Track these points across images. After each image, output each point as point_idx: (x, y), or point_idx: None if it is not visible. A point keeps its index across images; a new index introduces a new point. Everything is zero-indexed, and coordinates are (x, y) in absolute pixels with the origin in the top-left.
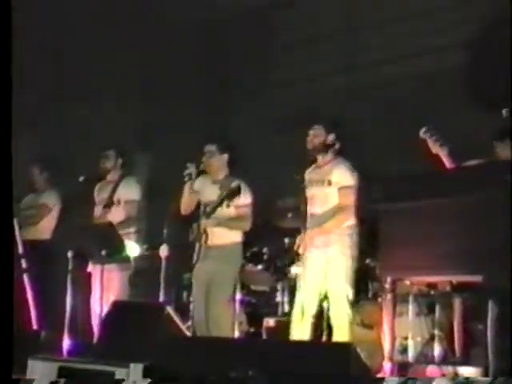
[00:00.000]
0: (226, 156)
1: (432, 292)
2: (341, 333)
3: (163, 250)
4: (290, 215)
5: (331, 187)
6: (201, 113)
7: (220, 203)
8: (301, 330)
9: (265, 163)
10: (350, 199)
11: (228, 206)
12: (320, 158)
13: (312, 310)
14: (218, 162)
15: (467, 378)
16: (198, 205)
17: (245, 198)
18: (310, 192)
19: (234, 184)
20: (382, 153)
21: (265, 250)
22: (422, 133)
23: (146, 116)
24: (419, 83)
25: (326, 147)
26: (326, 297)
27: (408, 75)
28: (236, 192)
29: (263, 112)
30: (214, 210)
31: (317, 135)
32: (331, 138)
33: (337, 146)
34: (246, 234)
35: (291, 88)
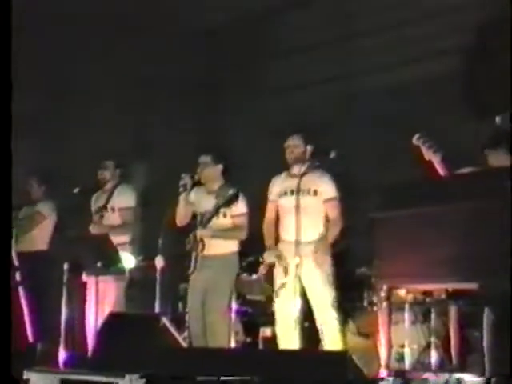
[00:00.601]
0: (220, 166)
1: (428, 300)
2: (332, 339)
3: (159, 261)
4: None
5: (316, 197)
6: (195, 123)
7: (217, 211)
8: (292, 339)
9: (260, 172)
10: (338, 211)
11: (225, 215)
12: (296, 167)
13: (301, 318)
14: (213, 172)
15: (458, 379)
16: (194, 215)
17: (241, 208)
18: (288, 201)
19: (232, 191)
20: (373, 161)
21: (261, 259)
22: (415, 139)
23: (144, 126)
24: (412, 90)
25: (304, 158)
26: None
27: (399, 83)
28: (233, 199)
29: (258, 120)
30: (210, 218)
31: (296, 146)
32: (310, 148)
33: (317, 156)
34: (243, 244)
35: (286, 96)
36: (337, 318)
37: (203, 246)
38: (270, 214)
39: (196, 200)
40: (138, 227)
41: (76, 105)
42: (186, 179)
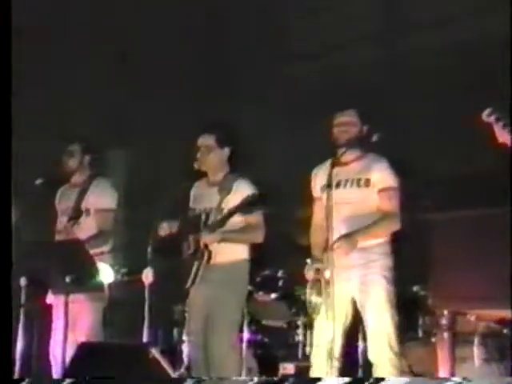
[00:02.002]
0: (227, 150)
1: (504, 331)
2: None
3: (147, 275)
4: None
5: (369, 189)
6: (193, 97)
7: (231, 215)
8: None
9: (278, 160)
10: (395, 204)
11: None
12: (347, 153)
13: (340, 351)
14: (217, 158)
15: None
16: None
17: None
18: (337, 195)
19: (240, 187)
20: (429, 144)
21: (280, 273)
22: (485, 115)
23: (124, 102)
24: (473, 51)
25: (358, 140)
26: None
27: (459, 42)
28: (256, 202)
29: (274, 94)
30: (223, 222)
31: (349, 124)
32: (366, 128)
33: (374, 138)
34: (256, 252)
35: (310, 63)
36: (396, 353)
37: (209, 254)
38: (317, 214)
39: (195, 194)
40: (121, 232)
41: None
42: (164, 229)
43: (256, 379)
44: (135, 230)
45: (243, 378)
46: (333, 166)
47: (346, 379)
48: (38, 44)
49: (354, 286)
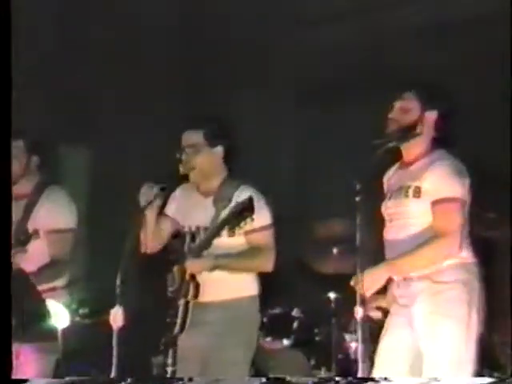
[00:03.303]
0: (220, 150)
1: None
2: None
3: (116, 316)
4: (335, 250)
5: (420, 200)
6: (178, 83)
7: (218, 231)
8: None
9: (288, 160)
10: (455, 220)
11: (233, 230)
12: (409, 148)
13: None
14: (208, 159)
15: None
16: (176, 235)
17: (261, 216)
18: (386, 209)
19: (242, 196)
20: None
21: (295, 311)
22: None
23: (88, 87)
24: None
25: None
26: None
27: None
28: (245, 209)
29: (280, 75)
30: (207, 242)
31: (406, 110)
32: (433, 115)
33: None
34: (262, 283)
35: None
36: None
37: (197, 287)
38: None
39: (181, 209)
40: (81, 260)
41: None
42: (149, 192)
43: None
44: (100, 256)
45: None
46: (400, 167)
47: None
48: None
49: (416, 332)
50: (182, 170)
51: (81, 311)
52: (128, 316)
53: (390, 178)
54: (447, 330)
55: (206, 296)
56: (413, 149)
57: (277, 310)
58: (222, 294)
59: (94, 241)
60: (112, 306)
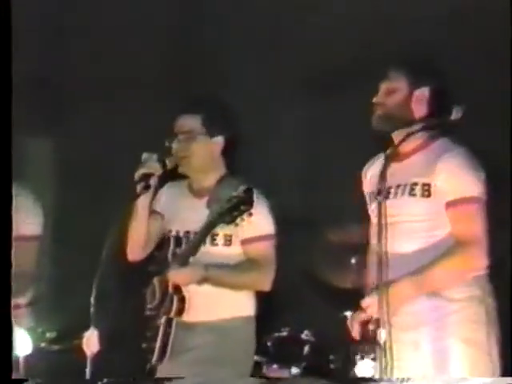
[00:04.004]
0: (219, 140)
1: None
2: None
3: (89, 341)
4: (354, 261)
5: (431, 199)
6: (168, 63)
7: (207, 230)
8: None
9: (294, 153)
10: (478, 224)
11: (228, 239)
12: (408, 139)
13: None
14: (205, 149)
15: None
16: (162, 242)
17: (260, 222)
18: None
19: (239, 190)
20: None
21: (306, 334)
22: None
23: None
24: None
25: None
26: None
27: None
28: (242, 202)
29: (282, 58)
30: (196, 245)
31: (395, 90)
32: (425, 92)
33: (454, 114)
34: (264, 301)
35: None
36: None
37: (182, 300)
38: (370, 239)
39: (169, 208)
40: (48, 273)
41: None
42: (151, 165)
43: None
44: (70, 267)
45: None
46: (388, 159)
47: None
48: None
49: (424, 356)
50: (169, 163)
51: (48, 335)
52: (103, 341)
53: (377, 172)
54: (466, 359)
55: (192, 315)
56: (408, 137)
57: (284, 333)
58: (212, 314)
59: (63, 250)
60: (86, 328)
